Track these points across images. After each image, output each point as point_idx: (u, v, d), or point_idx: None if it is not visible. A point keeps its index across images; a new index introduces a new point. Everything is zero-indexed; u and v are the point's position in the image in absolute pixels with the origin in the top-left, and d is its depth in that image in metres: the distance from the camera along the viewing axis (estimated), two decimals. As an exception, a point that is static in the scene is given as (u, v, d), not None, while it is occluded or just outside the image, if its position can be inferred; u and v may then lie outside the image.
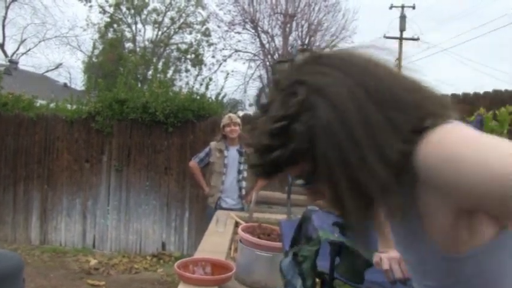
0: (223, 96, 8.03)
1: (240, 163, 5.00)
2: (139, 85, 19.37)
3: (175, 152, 7.00)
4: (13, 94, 7.57)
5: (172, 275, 6.28)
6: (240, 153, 4.99)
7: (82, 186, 7.11)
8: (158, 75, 9.58)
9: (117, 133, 7.04)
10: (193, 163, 5.37)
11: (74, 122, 7.05)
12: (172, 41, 20.00)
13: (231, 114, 5.21)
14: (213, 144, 5.27)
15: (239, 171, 5.01)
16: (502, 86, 7.98)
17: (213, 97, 7.56)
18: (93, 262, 6.56)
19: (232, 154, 5.04)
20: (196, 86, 7.48)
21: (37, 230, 7.17)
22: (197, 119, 6.88)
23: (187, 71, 20.72)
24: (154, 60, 19.87)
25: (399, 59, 22.67)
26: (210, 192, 5.30)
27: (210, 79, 7.68)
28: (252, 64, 20.11)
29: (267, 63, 19.45)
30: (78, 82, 23.61)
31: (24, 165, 7.15)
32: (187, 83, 20.74)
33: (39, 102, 8.09)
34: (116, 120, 6.97)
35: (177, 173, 6.99)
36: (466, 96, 6.16)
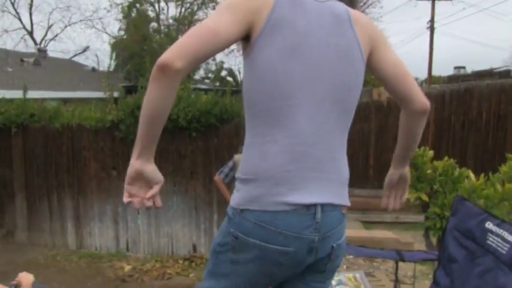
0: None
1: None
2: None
3: (200, 157, 6.98)
4: (38, 105, 7.66)
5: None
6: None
7: (111, 193, 7.22)
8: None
9: (141, 140, 7.04)
10: (218, 178, 5.30)
11: (98, 131, 7.10)
12: (196, 17, 19.66)
13: None
14: (237, 157, 5.17)
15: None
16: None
17: (241, 71, 7.51)
18: (127, 268, 6.73)
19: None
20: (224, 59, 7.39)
21: (73, 236, 7.43)
22: (220, 123, 6.80)
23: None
24: (179, 37, 19.66)
25: (432, 20, 21.65)
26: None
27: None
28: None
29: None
30: (106, 65, 23.71)
31: (55, 174, 7.31)
32: (213, 59, 20.55)
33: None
34: (140, 127, 6.96)
35: (203, 177, 6.99)
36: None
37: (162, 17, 20.18)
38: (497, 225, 2.22)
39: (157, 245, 7.25)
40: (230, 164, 5.24)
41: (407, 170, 1.65)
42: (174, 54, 1.12)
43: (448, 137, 7.70)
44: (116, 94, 7.79)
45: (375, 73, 1.42)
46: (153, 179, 1.24)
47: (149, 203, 1.24)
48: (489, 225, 2.27)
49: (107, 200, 7.25)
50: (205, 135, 6.89)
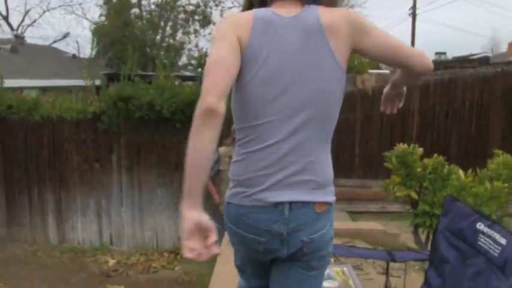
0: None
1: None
2: (148, 50, 19.07)
3: (184, 148, 6.80)
4: (16, 95, 7.45)
5: (189, 273, 6.34)
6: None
7: (94, 185, 7.08)
8: (164, 61, 9.20)
9: (124, 131, 6.91)
10: None
11: (79, 122, 6.93)
12: (178, 3, 19.34)
13: None
14: (222, 150, 5.09)
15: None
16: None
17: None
18: (111, 263, 6.63)
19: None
20: (207, 46, 7.30)
21: (55, 231, 7.27)
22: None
23: (196, 31, 20.21)
24: (162, 23, 19.34)
25: (414, 6, 21.71)
26: (221, 201, 5.21)
27: None
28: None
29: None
30: (87, 51, 23.27)
31: (35, 168, 7.14)
32: (196, 46, 20.29)
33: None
34: (122, 119, 6.82)
35: (188, 168, 6.89)
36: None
37: (144, 2, 19.79)
38: (489, 227, 2.20)
39: (141, 238, 7.16)
40: (215, 157, 5.16)
41: (404, 88, 1.76)
42: (215, 99, 1.28)
43: (432, 126, 7.72)
44: (97, 82, 7.63)
45: (370, 59, 1.63)
46: (210, 227, 1.24)
47: (217, 250, 1.23)
48: (480, 226, 2.24)
49: (90, 193, 7.12)
50: (189, 127, 6.74)
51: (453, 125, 7.72)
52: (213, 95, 1.29)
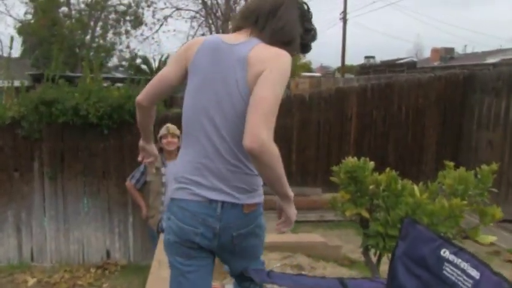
0: (166, 58, 7.52)
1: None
2: (77, 50, 18.18)
3: (112, 155, 6.47)
4: None
5: (118, 289, 5.91)
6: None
7: (13, 196, 6.46)
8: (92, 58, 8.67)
9: (47, 138, 6.37)
10: (129, 184, 5.02)
11: (-5, 128, 6.28)
12: (109, 2, 18.58)
13: (169, 125, 4.77)
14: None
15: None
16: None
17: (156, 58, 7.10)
18: (31, 282, 6.04)
19: (171, 170, 4.58)
20: (138, 47, 6.97)
21: (-36, 249, 6.50)
22: (134, 119, 6.26)
23: (127, 32, 19.54)
24: (92, 23, 18.48)
25: (344, 11, 22.25)
26: (150, 214, 4.93)
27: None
28: (194, 24, 19.15)
29: (210, 21, 18.49)
30: (12, 51, 21.73)
31: None
32: (127, 47, 19.62)
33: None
34: (45, 124, 6.26)
35: (116, 177, 6.47)
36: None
37: (73, 1, 18.85)
38: (455, 254, 1.99)
39: (66, 253, 6.62)
40: (141, 168, 4.92)
41: (285, 205, 1.79)
42: (141, 97, 1.88)
43: (370, 131, 7.75)
44: (17, 83, 7.02)
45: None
46: (151, 152, 2.11)
47: (149, 160, 2.13)
48: (445, 253, 2.02)
49: (8, 205, 6.47)
50: (118, 132, 6.37)
51: (390, 130, 7.79)
52: (141, 94, 1.88)
